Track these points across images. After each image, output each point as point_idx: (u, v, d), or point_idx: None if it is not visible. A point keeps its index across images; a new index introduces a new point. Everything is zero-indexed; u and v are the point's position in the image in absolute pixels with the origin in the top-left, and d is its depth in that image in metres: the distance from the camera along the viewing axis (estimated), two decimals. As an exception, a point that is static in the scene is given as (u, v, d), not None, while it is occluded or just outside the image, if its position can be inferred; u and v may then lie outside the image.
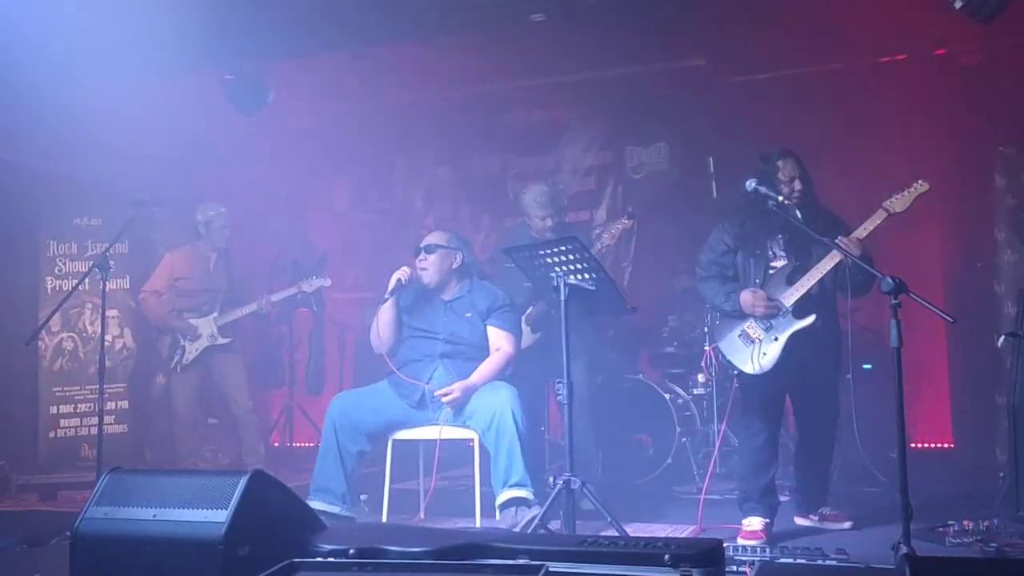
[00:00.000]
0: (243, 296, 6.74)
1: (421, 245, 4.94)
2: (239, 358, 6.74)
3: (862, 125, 7.06)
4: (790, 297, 4.39)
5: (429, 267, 4.87)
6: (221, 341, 6.55)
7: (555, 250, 4.20)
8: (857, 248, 4.22)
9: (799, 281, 4.39)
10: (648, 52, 7.64)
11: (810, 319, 4.38)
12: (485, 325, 4.86)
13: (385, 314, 4.85)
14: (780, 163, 4.49)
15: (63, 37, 6.32)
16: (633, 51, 7.59)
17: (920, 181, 4.27)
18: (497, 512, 4.53)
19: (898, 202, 4.27)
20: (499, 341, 4.83)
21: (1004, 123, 6.53)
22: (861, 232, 4.28)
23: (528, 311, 5.40)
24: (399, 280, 4.83)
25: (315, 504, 4.51)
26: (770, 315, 4.39)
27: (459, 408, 4.65)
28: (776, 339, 4.42)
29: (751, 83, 7.61)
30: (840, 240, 4.24)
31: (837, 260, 4.28)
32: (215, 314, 6.56)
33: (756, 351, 4.45)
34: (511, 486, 4.47)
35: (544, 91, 8.47)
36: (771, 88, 7.52)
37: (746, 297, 4.43)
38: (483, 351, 4.82)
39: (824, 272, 4.34)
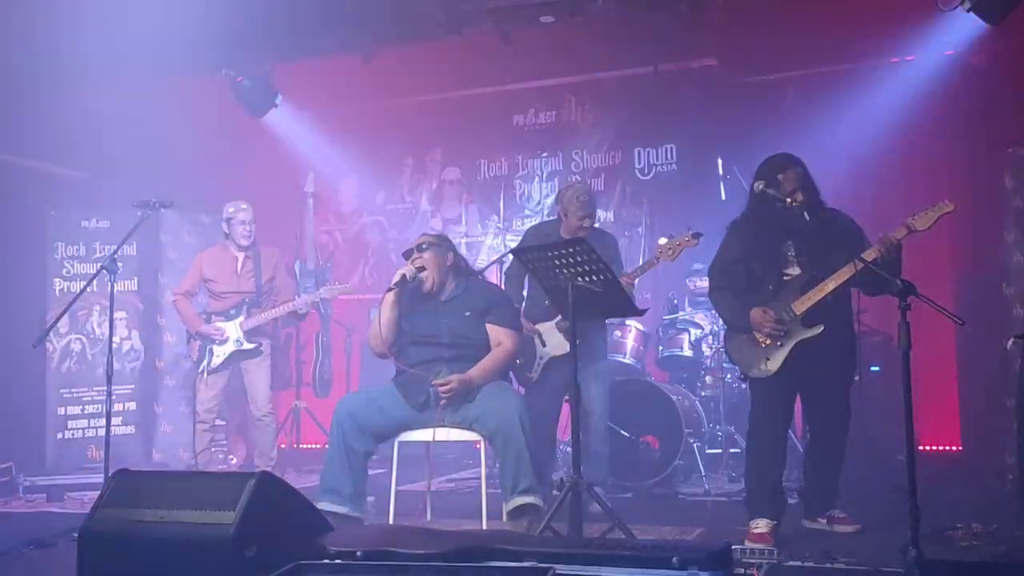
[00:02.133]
0: (272, 299, 6.68)
1: (412, 246, 4.89)
2: (265, 361, 6.70)
3: (872, 125, 7.04)
4: (801, 305, 4.37)
5: (427, 264, 4.79)
6: (247, 346, 6.52)
7: (563, 251, 4.19)
8: (893, 249, 4.19)
9: (812, 290, 4.37)
10: (658, 52, 7.65)
11: (817, 329, 4.35)
12: (484, 323, 4.82)
13: (386, 310, 4.81)
14: (780, 176, 4.43)
15: (70, 39, 6.34)
16: (643, 52, 7.60)
17: (945, 201, 4.23)
18: (505, 518, 4.51)
19: (920, 220, 4.22)
20: (500, 337, 4.77)
21: (1013, 124, 6.51)
22: (874, 251, 4.23)
23: (558, 318, 5.25)
24: (404, 276, 4.79)
25: (323, 505, 4.49)
26: (775, 335, 4.38)
27: (458, 404, 4.61)
28: (782, 346, 4.40)
29: (761, 84, 7.60)
30: (877, 244, 4.21)
31: (851, 273, 4.25)
32: (241, 318, 6.53)
33: (761, 356, 4.44)
34: (519, 493, 4.45)
35: (553, 92, 8.49)
36: (781, 89, 7.51)
37: (755, 315, 4.41)
38: (487, 350, 4.79)
39: (838, 283, 4.31)
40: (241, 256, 6.62)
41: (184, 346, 7.00)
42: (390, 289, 4.80)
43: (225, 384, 6.64)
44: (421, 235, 5.04)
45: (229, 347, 6.50)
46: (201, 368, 6.50)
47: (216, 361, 6.48)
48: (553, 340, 5.30)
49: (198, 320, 6.54)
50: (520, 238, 6.01)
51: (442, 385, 4.57)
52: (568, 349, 5.19)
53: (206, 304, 6.68)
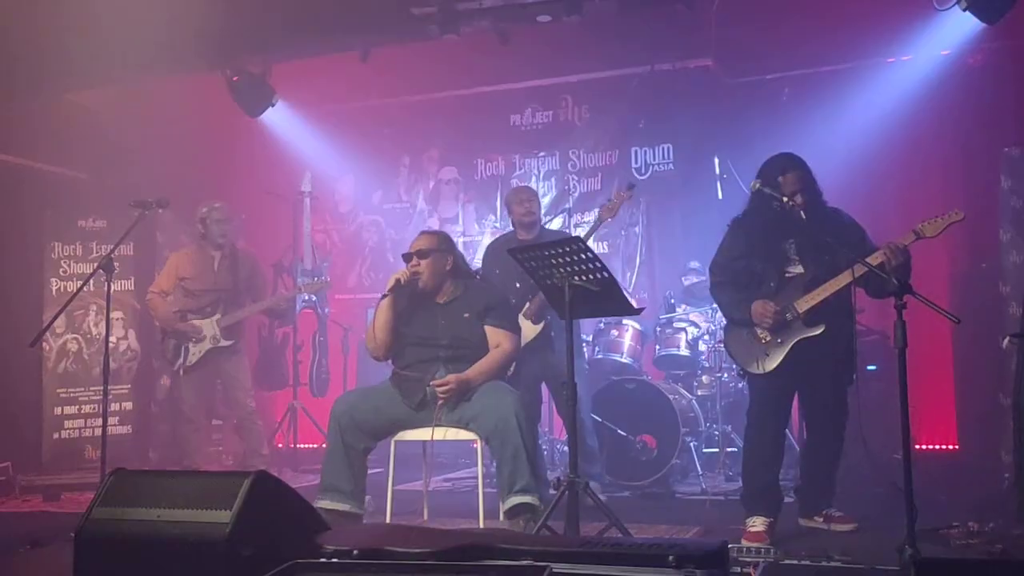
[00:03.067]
0: (248, 296, 6.69)
1: (412, 250, 4.88)
2: (243, 359, 6.71)
3: (869, 125, 7.04)
4: (804, 304, 4.37)
5: (424, 271, 4.81)
6: (223, 343, 6.51)
7: (559, 250, 4.19)
8: (901, 255, 4.18)
9: (815, 290, 4.37)
10: (654, 52, 7.65)
11: (819, 329, 4.36)
12: (483, 325, 4.82)
13: (382, 315, 4.81)
14: (781, 179, 4.43)
15: (68, 38, 6.33)
16: (639, 51, 7.60)
17: (956, 210, 4.22)
18: (502, 517, 4.51)
19: (930, 227, 4.22)
20: (499, 339, 4.79)
21: (1009, 124, 6.52)
22: (880, 256, 4.21)
23: (526, 306, 5.44)
24: (398, 280, 4.79)
25: (324, 504, 4.50)
26: (777, 327, 4.38)
27: (455, 403, 4.62)
28: (782, 342, 4.41)
29: (757, 83, 7.61)
30: (883, 248, 4.19)
31: (857, 274, 4.25)
32: (218, 316, 6.53)
33: (760, 353, 4.45)
34: (517, 492, 4.45)
35: (550, 91, 8.48)
36: (777, 88, 7.51)
37: (756, 307, 4.42)
38: (485, 351, 4.79)
39: (841, 285, 4.31)
40: (218, 255, 6.62)
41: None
42: (384, 295, 4.81)
43: (204, 384, 6.63)
44: (420, 234, 5.02)
45: (205, 344, 6.49)
46: (177, 366, 6.50)
47: (192, 359, 6.47)
48: (523, 328, 5.36)
49: (173, 318, 6.53)
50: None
51: (440, 385, 4.58)
52: (536, 333, 5.43)
53: (180, 303, 6.64)
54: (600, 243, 7.98)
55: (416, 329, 4.83)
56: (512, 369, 5.31)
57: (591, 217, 8.09)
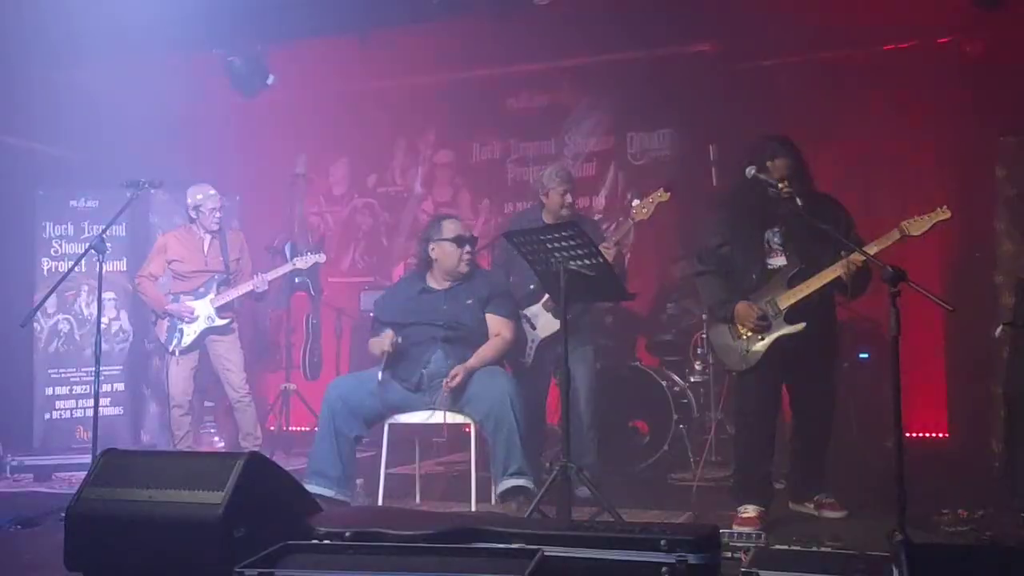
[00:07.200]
0: (239, 277, 6.68)
1: (464, 236, 4.95)
2: (236, 341, 6.69)
3: (866, 113, 7.04)
4: (786, 300, 4.35)
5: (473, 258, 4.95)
6: (219, 322, 6.49)
7: (555, 235, 4.18)
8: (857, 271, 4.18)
9: (799, 286, 4.34)
10: (653, 37, 7.61)
11: (799, 326, 4.32)
12: (484, 312, 4.83)
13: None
14: (770, 164, 4.39)
15: (61, 17, 6.30)
16: (638, 36, 7.55)
17: (943, 207, 4.19)
18: (494, 500, 4.53)
19: (915, 225, 4.18)
20: (498, 327, 4.81)
21: (1005, 112, 6.50)
22: (871, 249, 4.17)
23: (545, 298, 5.26)
24: (387, 353, 4.79)
25: (310, 488, 4.48)
26: (759, 330, 4.37)
27: (459, 392, 4.64)
28: (762, 339, 4.39)
29: (756, 70, 7.59)
30: (845, 257, 4.18)
31: (837, 273, 4.23)
32: (212, 295, 6.51)
33: (742, 348, 4.44)
34: (511, 475, 4.47)
35: (547, 75, 8.44)
36: (776, 75, 7.50)
37: (741, 308, 4.39)
38: (484, 338, 4.81)
39: (825, 281, 4.29)
40: (208, 238, 6.60)
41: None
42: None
43: (197, 365, 6.61)
44: (451, 219, 5.07)
45: (200, 324, 6.46)
46: (172, 348, 6.47)
47: (187, 340, 6.44)
48: (542, 321, 5.30)
49: (164, 299, 6.50)
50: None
51: (451, 379, 4.60)
52: (557, 328, 5.27)
53: (170, 286, 6.61)
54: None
55: (418, 313, 4.85)
56: (531, 360, 5.30)
57: (585, 203, 8.07)
